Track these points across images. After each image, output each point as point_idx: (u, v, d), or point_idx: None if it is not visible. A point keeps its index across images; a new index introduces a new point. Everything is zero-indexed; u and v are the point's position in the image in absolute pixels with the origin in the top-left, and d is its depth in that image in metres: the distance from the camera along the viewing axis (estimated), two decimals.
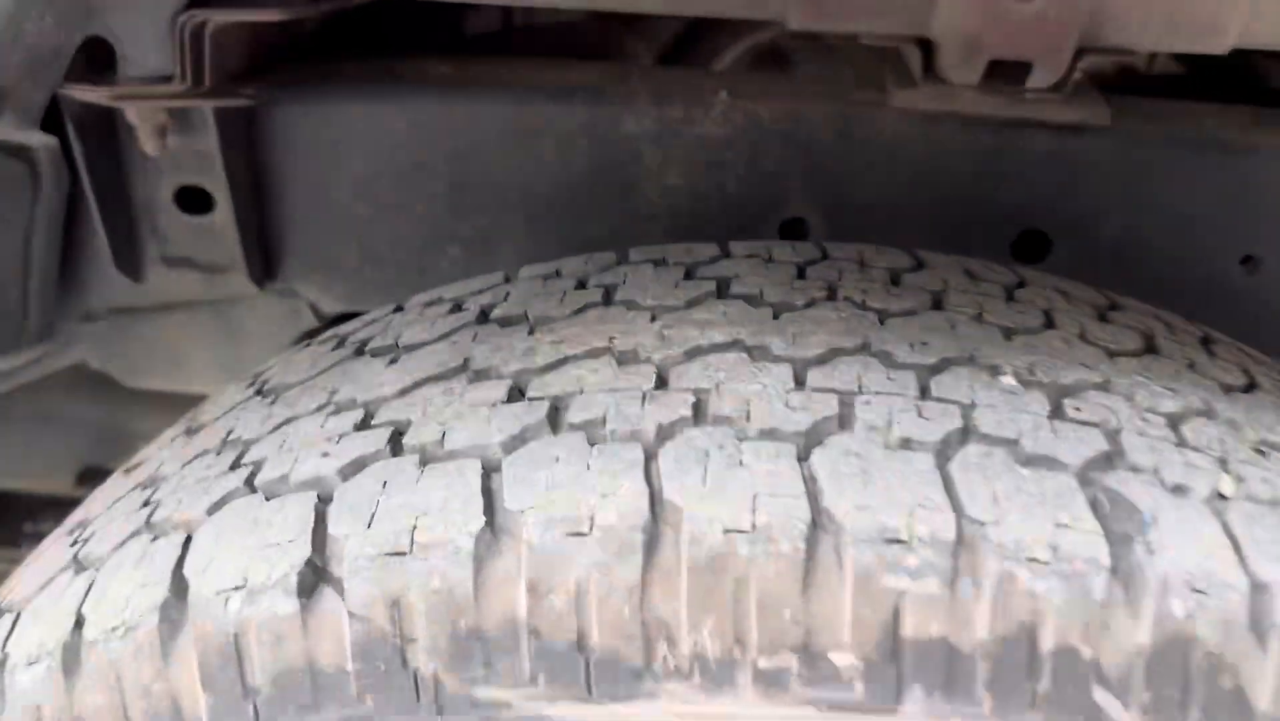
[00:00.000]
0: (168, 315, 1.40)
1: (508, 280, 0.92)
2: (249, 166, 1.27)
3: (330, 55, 1.41)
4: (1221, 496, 0.61)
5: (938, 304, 0.79)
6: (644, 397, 0.66)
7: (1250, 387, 0.76)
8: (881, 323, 0.75)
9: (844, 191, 1.25)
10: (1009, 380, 0.69)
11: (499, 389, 0.69)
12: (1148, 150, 1.20)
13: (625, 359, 0.71)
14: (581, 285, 0.85)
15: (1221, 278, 1.25)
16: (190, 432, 0.85)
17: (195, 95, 1.14)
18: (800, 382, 0.67)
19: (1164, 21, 1.08)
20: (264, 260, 1.33)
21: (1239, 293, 1.25)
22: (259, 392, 0.85)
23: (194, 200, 1.29)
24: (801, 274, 0.84)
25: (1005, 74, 1.15)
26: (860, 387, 0.66)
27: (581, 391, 0.67)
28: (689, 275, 0.84)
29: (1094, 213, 1.22)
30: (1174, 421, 0.67)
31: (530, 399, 0.68)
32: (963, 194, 1.23)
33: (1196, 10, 1.07)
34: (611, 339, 0.73)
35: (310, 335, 1.43)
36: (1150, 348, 0.78)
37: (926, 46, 1.16)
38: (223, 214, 1.28)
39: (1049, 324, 0.78)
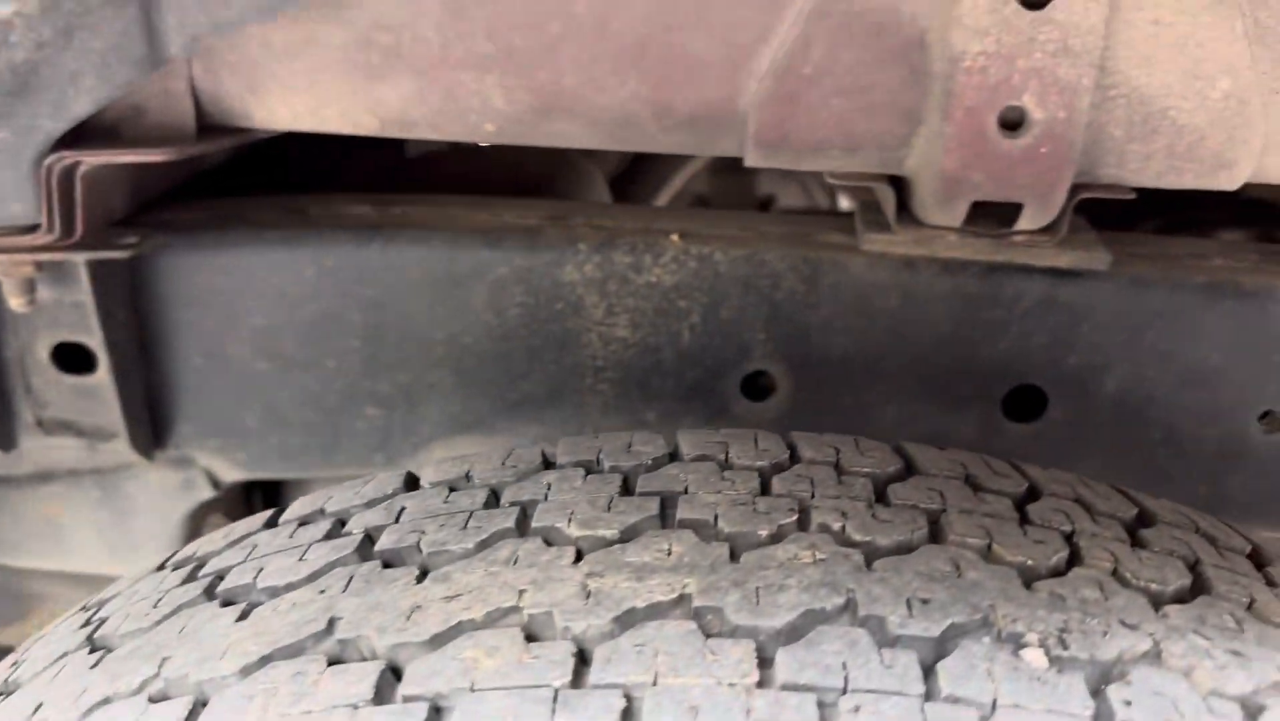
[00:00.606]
0: (45, 486, 1.22)
1: (410, 485, 0.75)
2: (133, 320, 1.11)
3: (243, 190, 1.26)
4: None
5: (936, 531, 0.64)
6: (555, 699, 0.49)
7: None
8: (868, 564, 0.59)
9: (812, 344, 1.10)
10: (1035, 655, 0.53)
11: (364, 679, 0.52)
12: (1152, 296, 1.07)
13: (537, 628, 0.55)
14: (495, 498, 0.69)
15: (1238, 436, 1.11)
16: (3, 694, 0.67)
17: (63, 247, 0.99)
18: (767, 666, 0.51)
19: (1168, 156, 0.96)
20: (152, 425, 1.16)
21: (1258, 453, 1.11)
22: (90, 640, 0.67)
23: (75, 358, 1.13)
24: (765, 486, 0.68)
25: (991, 215, 1.02)
26: (847, 682, 0.50)
27: (473, 688, 0.50)
28: (627, 488, 0.68)
29: (1093, 366, 1.09)
30: (1250, 711, 0.51)
31: (405, 697, 0.51)
32: (946, 346, 1.09)
33: (1204, 144, 0.95)
34: (521, 593, 0.57)
35: (212, 507, 1.26)
36: (1199, 583, 0.63)
37: (900, 185, 1.04)
38: (105, 374, 1.12)
39: (1074, 556, 0.62)
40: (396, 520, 0.68)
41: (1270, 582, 0.66)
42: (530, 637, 0.54)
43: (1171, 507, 0.75)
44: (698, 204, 3.21)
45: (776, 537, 0.61)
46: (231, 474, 1.20)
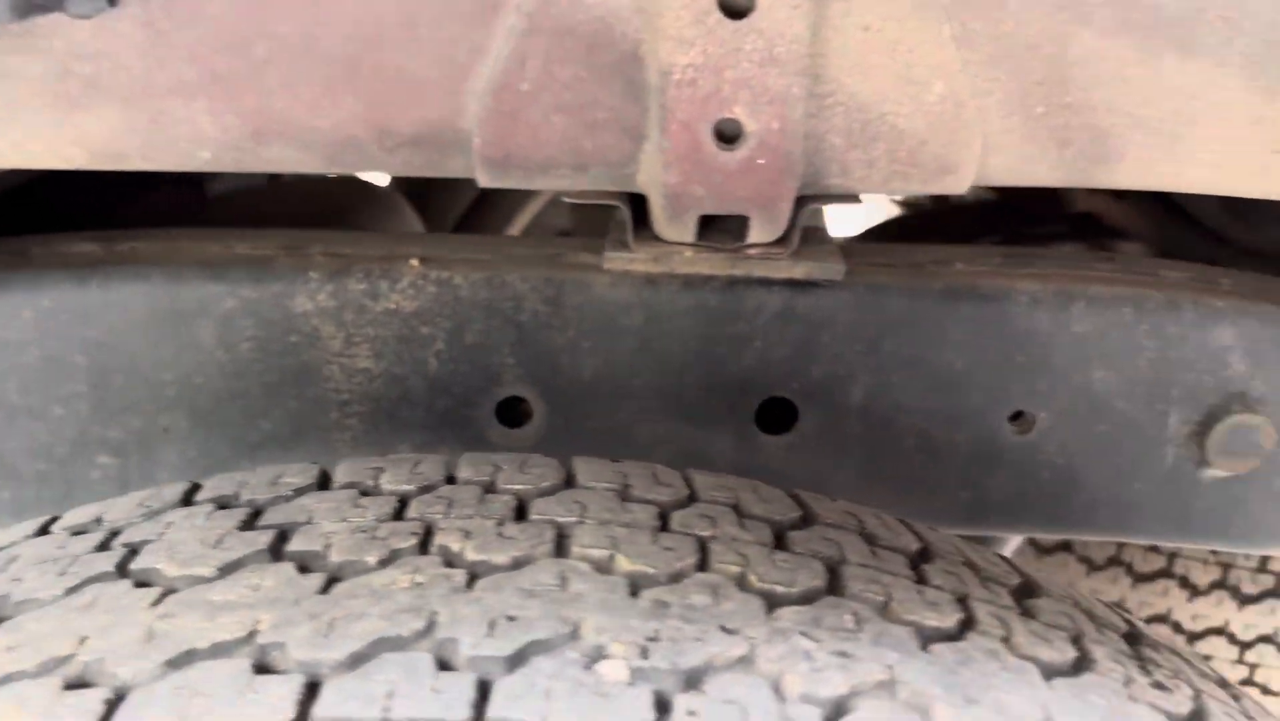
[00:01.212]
0: None
1: (43, 532, 0.70)
2: None
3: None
4: None
5: (562, 545, 0.61)
6: None
7: (965, 629, 0.59)
8: (470, 585, 0.56)
9: (561, 366, 1.08)
10: (614, 667, 0.50)
11: None
12: (889, 303, 1.07)
13: (90, 675, 0.51)
14: (109, 541, 0.64)
15: (990, 438, 1.11)
16: None
17: None
18: (312, 701, 0.47)
19: (890, 162, 0.96)
20: None
21: (1013, 454, 1.12)
22: None
23: None
24: (400, 511, 0.65)
25: (725, 228, 1.02)
26: (388, 711, 0.46)
27: None
28: (251, 522, 0.65)
29: (838, 376, 1.08)
30: (833, 713, 0.49)
31: None
32: (694, 363, 1.08)
33: (926, 148, 0.95)
34: (83, 641, 0.52)
35: None
36: (832, 583, 0.61)
37: (639, 202, 1.03)
38: None
39: (702, 562, 0.60)
40: (4, 569, 0.63)
41: (921, 580, 0.65)
42: (75, 685, 0.50)
43: (843, 510, 0.73)
44: (561, 236, 3.19)
45: (387, 562, 0.58)
46: None
